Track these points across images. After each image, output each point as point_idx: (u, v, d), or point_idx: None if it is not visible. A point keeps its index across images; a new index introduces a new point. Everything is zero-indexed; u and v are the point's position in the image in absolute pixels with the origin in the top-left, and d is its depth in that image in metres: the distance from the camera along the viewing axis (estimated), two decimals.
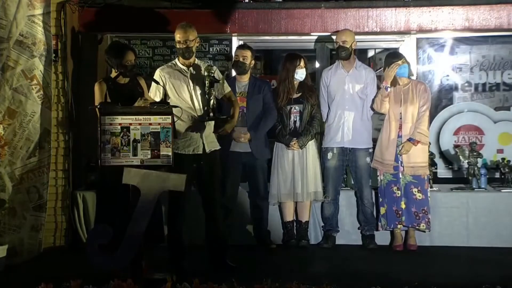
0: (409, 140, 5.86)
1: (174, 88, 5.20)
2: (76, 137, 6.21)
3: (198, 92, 5.21)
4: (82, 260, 4.82)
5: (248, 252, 5.84)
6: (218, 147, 5.31)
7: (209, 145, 5.20)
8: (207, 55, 7.13)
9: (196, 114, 5.18)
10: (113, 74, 5.32)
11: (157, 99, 5.13)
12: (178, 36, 5.18)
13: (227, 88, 5.39)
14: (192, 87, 5.22)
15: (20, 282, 4.85)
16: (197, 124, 5.16)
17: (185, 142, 5.11)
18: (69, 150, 6.20)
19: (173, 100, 5.14)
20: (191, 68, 5.25)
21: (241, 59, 5.89)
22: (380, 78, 6.87)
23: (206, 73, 5.13)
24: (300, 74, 5.96)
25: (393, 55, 6.07)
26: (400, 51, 6.61)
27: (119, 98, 4.99)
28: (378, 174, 6.04)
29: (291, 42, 7.08)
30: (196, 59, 5.33)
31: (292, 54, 6.09)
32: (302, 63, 5.96)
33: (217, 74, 5.25)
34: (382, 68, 6.14)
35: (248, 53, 5.91)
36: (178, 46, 5.20)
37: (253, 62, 6.00)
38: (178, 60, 5.28)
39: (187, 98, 5.19)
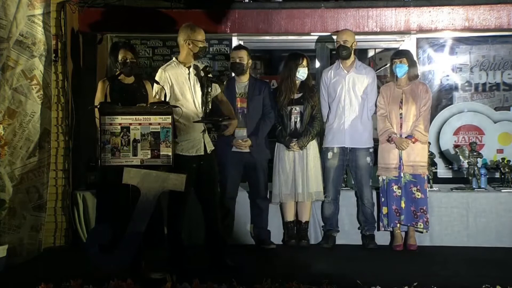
0: (407, 137, 5.86)
1: (179, 88, 5.19)
2: (76, 137, 6.20)
3: (199, 92, 5.22)
4: (82, 260, 4.82)
5: (248, 252, 5.84)
6: (213, 147, 5.35)
7: (208, 145, 5.23)
8: (207, 55, 7.13)
9: (197, 114, 5.18)
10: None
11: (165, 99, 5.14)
12: (200, 36, 5.21)
13: (218, 89, 5.41)
14: (192, 88, 5.22)
15: (20, 282, 4.85)
16: (198, 125, 5.17)
17: (188, 143, 5.11)
18: (69, 150, 6.20)
19: (178, 100, 5.13)
20: (191, 69, 5.26)
21: (237, 60, 5.89)
22: (380, 78, 6.89)
23: (203, 74, 5.15)
24: (302, 73, 5.96)
25: (394, 54, 6.08)
26: None
27: (121, 98, 4.98)
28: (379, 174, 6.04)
29: (291, 42, 7.08)
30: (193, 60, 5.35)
31: (295, 53, 6.10)
32: (304, 62, 5.96)
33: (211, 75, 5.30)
34: (386, 65, 6.12)
35: (243, 54, 5.91)
36: (201, 46, 5.20)
37: (250, 61, 5.99)
38: (178, 60, 5.28)
39: (189, 98, 5.19)
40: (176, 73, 5.22)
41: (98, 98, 5.14)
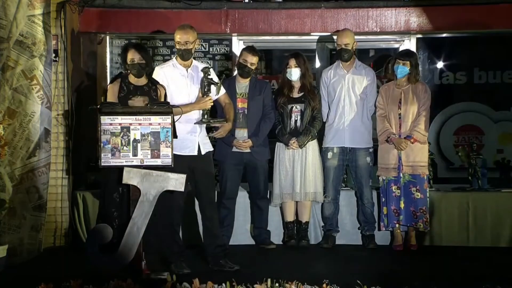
0: (406, 137, 5.86)
1: (174, 88, 5.19)
2: (76, 137, 6.20)
3: (195, 93, 5.21)
4: (82, 260, 4.82)
5: (248, 252, 5.84)
6: (211, 148, 5.34)
7: (204, 147, 5.21)
8: (207, 55, 7.14)
9: (192, 114, 5.17)
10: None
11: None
12: (178, 37, 5.17)
13: (222, 91, 5.37)
14: (189, 89, 5.21)
15: (20, 282, 4.84)
16: (193, 126, 5.16)
17: (181, 143, 5.07)
18: (69, 150, 6.20)
19: (174, 99, 5.12)
20: (189, 69, 5.25)
21: (248, 65, 5.83)
22: (380, 78, 6.89)
23: (203, 75, 5.13)
24: (292, 74, 5.95)
25: (400, 53, 6.06)
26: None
27: (130, 98, 4.95)
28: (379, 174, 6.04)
29: (291, 42, 7.10)
30: (193, 61, 5.32)
31: (289, 54, 6.10)
32: (291, 63, 5.96)
33: (213, 76, 5.25)
34: (389, 64, 6.08)
35: (256, 60, 5.86)
36: (177, 47, 5.19)
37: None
38: (177, 60, 5.27)
39: (185, 99, 5.17)
40: (173, 72, 5.22)
41: (108, 98, 5.08)
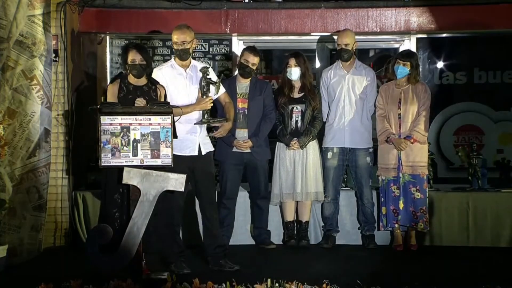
0: (406, 137, 5.85)
1: (173, 89, 5.19)
2: (76, 137, 6.20)
3: (195, 94, 5.20)
4: (82, 260, 4.82)
5: (248, 252, 5.84)
6: (212, 148, 5.33)
7: (204, 147, 5.20)
8: (207, 55, 7.14)
9: (191, 114, 5.16)
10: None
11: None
12: (175, 37, 5.16)
13: (222, 90, 5.37)
14: (189, 89, 5.21)
15: (20, 282, 4.85)
16: (193, 126, 5.15)
17: (181, 143, 5.07)
18: (69, 150, 6.20)
19: (173, 100, 5.12)
20: (188, 69, 5.24)
21: (250, 65, 5.82)
22: (380, 78, 6.89)
23: (202, 75, 5.13)
24: (292, 73, 5.95)
25: (401, 54, 6.05)
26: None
27: (127, 99, 4.96)
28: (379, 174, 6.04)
29: (291, 42, 7.10)
30: (192, 60, 5.31)
31: (289, 54, 6.10)
32: (291, 62, 5.95)
33: (212, 76, 5.24)
34: (390, 64, 6.07)
35: (257, 61, 5.86)
36: (175, 47, 5.18)
37: None
38: (175, 61, 5.27)
39: (184, 99, 5.17)
40: (172, 73, 5.21)
41: (108, 99, 5.08)
